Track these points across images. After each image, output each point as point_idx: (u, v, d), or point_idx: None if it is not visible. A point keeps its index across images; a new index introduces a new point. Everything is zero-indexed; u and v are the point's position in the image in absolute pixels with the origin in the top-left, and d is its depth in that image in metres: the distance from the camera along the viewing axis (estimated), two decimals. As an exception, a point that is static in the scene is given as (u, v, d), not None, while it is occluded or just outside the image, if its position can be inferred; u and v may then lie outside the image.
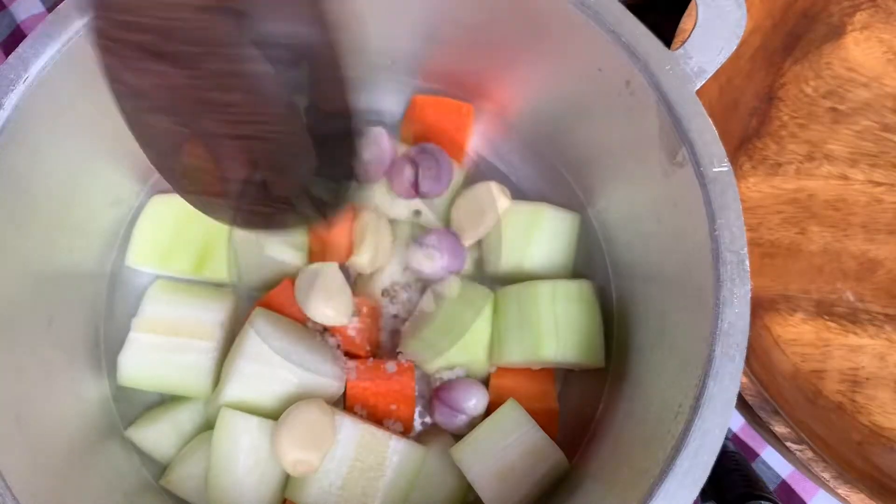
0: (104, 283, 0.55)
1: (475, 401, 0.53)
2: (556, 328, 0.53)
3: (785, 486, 0.62)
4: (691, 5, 0.56)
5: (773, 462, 0.63)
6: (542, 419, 0.53)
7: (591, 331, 0.54)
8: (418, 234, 0.56)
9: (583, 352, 0.53)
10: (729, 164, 0.43)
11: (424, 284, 0.57)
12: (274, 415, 0.50)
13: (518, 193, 0.61)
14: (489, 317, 0.55)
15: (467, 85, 0.60)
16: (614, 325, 0.56)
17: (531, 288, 0.54)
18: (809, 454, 0.50)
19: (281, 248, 0.54)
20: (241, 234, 0.56)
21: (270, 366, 0.51)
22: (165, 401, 0.56)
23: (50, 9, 0.62)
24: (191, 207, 0.56)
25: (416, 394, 0.55)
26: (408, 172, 0.56)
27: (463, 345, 0.53)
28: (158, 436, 0.53)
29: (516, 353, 0.53)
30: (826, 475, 0.49)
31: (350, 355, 0.56)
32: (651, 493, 0.39)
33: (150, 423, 0.53)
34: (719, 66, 0.46)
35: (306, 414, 0.49)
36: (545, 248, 0.56)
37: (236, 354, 0.51)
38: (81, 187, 0.51)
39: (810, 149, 0.64)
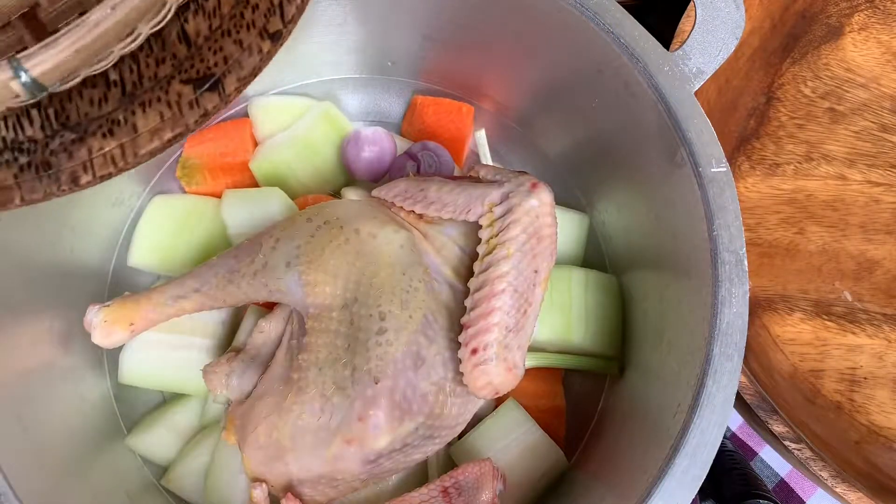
0: (106, 282, 0.56)
1: None
2: (585, 315, 0.53)
3: (783, 485, 0.63)
4: (690, 7, 0.56)
5: (772, 461, 0.63)
6: (549, 417, 0.54)
7: (613, 325, 0.54)
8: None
9: (606, 343, 0.54)
10: (727, 164, 0.44)
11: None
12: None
13: (518, 193, 0.61)
14: None
15: (467, 85, 0.61)
16: (613, 324, 0.57)
17: (566, 271, 0.55)
18: (808, 453, 0.50)
19: None
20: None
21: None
22: (163, 403, 0.56)
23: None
24: (192, 208, 0.57)
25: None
26: (409, 167, 0.56)
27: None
28: (157, 440, 0.53)
29: (545, 332, 0.53)
30: (824, 474, 0.50)
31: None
32: (650, 491, 0.40)
33: (148, 429, 0.53)
34: (718, 67, 0.46)
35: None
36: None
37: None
38: (83, 188, 0.52)
39: (808, 149, 0.64)
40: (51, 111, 0.33)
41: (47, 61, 0.27)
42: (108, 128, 0.33)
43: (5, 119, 0.32)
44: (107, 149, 0.33)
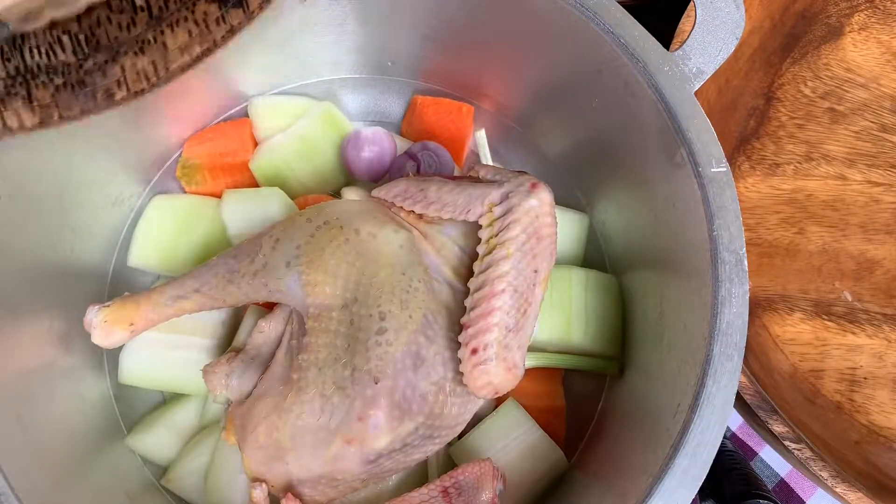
0: (106, 282, 0.56)
1: None
2: (585, 314, 0.54)
3: (783, 485, 0.63)
4: (690, 6, 0.56)
5: (772, 461, 0.63)
6: (549, 417, 0.54)
7: (613, 325, 0.54)
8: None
9: (606, 343, 0.54)
10: (727, 164, 0.44)
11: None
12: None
13: (518, 194, 0.61)
14: None
15: (467, 85, 0.61)
16: (613, 324, 0.57)
17: (565, 272, 0.55)
18: (808, 453, 0.50)
19: None
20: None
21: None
22: (163, 404, 0.56)
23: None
24: (192, 208, 0.57)
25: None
26: (409, 167, 0.56)
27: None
28: (157, 440, 0.53)
29: (545, 332, 0.53)
30: (824, 474, 0.50)
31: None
32: (650, 491, 0.40)
33: (147, 429, 0.53)
34: (718, 67, 0.46)
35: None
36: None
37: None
38: (83, 188, 0.52)
39: (808, 149, 0.64)
40: (81, 37, 0.34)
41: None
42: (139, 47, 0.34)
43: (38, 47, 0.34)
44: (139, 66, 0.34)
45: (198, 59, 0.35)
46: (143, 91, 0.35)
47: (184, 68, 0.35)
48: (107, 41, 0.34)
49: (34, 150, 0.46)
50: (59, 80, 0.34)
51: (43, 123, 0.34)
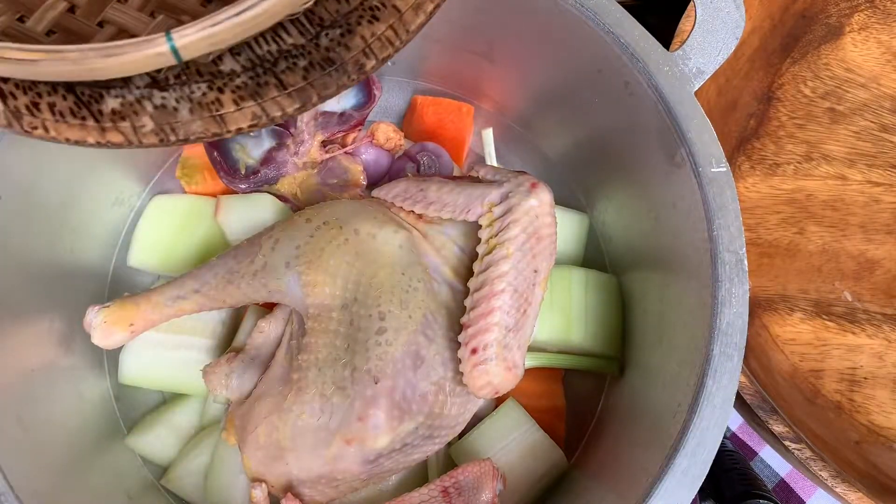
0: (106, 282, 0.56)
1: None
2: (585, 314, 0.53)
3: (783, 485, 0.63)
4: (690, 6, 0.56)
5: (772, 461, 0.63)
6: (549, 417, 0.54)
7: (613, 325, 0.54)
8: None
9: (606, 343, 0.54)
10: (727, 164, 0.44)
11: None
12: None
13: (518, 194, 0.61)
14: None
15: (467, 85, 0.61)
16: (613, 324, 0.56)
17: (565, 272, 0.55)
18: (808, 453, 0.50)
19: None
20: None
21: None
22: (163, 403, 0.56)
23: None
24: (192, 208, 0.57)
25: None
26: (408, 168, 0.56)
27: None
28: (157, 440, 0.53)
29: (545, 332, 0.53)
30: (824, 474, 0.50)
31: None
32: (650, 491, 0.40)
33: (147, 429, 0.53)
34: (718, 66, 0.46)
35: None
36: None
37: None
38: (83, 188, 0.52)
39: (808, 149, 0.64)
40: (303, 19, 0.34)
41: (200, 41, 0.28)
42: (371, 15, 0.34)
43: (263, 36, 0.33)
44: (379, 32, 0.34)
45: (431, 15, 0.34)
46: (389, 56, 0.34)
47: (421, 27, 0.35)
48: (329, 16, 0.34)
49: (36, 152, 0.46)
50: (303, 62, 0.33)
51: (303, 107, 0.33)
